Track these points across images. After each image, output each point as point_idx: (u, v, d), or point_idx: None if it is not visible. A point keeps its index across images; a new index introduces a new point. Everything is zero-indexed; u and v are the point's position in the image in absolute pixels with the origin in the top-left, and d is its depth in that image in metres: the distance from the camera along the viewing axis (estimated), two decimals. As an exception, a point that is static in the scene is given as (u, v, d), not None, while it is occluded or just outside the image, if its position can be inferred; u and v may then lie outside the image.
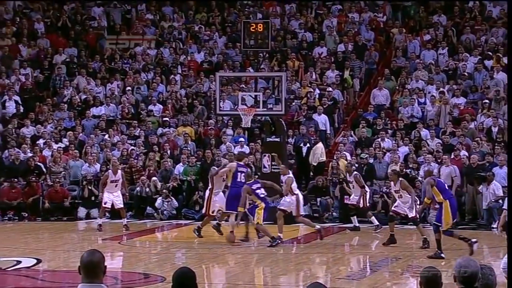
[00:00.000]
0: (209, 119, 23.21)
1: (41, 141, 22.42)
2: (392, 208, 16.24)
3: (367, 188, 18.22)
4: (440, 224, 14.17)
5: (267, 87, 22.38)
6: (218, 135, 22.51)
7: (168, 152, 21.78)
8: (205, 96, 24.14)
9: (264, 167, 20.47)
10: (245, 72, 24.33)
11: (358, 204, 17.97)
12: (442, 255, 14.08)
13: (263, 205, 15.71)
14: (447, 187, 14.94)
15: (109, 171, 18.44)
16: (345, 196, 19.23)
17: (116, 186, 18.09)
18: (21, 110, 23.86)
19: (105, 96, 24.34)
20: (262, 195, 15.87)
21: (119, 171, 18.37)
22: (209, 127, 22.69)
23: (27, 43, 26.39)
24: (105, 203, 18.13)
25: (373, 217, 18.11)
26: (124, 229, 17.98)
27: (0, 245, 16.83)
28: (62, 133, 22.89)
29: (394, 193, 16.17)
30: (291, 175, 16.60)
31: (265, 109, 20.21)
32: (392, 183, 16.18)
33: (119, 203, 18.12)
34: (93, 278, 4.88)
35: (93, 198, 20.42)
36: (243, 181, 16.30)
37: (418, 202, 16.40)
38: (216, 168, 17.53)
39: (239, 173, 16.48)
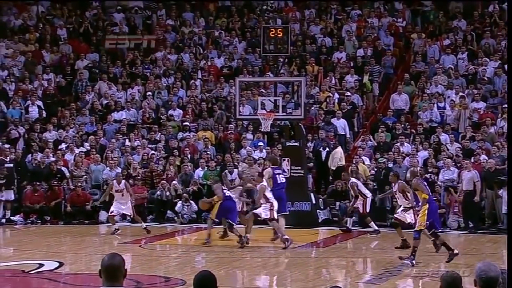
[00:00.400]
0: (228, 123, 23.26)
1: (63, 146, 22.57)
2: (395, 215, 16.30)
3: (367, 194, 18.19)
4: (417, 229, 14.03)
5: (287, 91, 22.39)
6: (238, 140, 22.55)
7: (188, 156, 21.85)
8: (225, 100, 24.20)
9: (284, 171, 20.48)
10: (264, 77, 24.37)
11: (358, 210, 18.13)
12: (414, 261, 13.96)
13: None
14: (430, 192, 14.61)
15: (114, 181, 18.66)
16: (346, 201, 19.51)
17: (122, 195, 18.27)
18: (44, 115, 24.05)
19: (126, 101, 24.47)
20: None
21: (123, 181, 18.59)
22: (229, 132, 22.74)
23: (50, 49, 26.60)
24: (111, 212, 18.38)
25: (371, 223, 18.15)
26: (145, 232, 18.08)
27: (23, 248, 16.98)
28: (83, 137, 23.04)
29: (394, 194, 16.29)
30: (264, 183, 16.48)
31: (284, 114, 20.24)
32: (392, 184, 16.25)
33: (131, 213, 18.37)
34: (113, 281, 4.90)
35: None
36: (284, 181, 16.84)
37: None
38: (229, 174, 17.76)
39: (277, 176, 16.91)
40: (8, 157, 20.93)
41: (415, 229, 14.07)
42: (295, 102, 20.85)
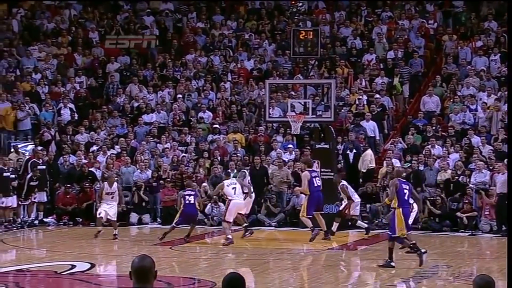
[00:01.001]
0: (258, 125, 23.19)
1: (94, 148, 22.67)
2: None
3: (355, 198, 18.37)
4: (392, 233, 13.86)
5: (316, 94, 22.26)
6: (267, 142, 22.46)
7: (218, 158, 21.81)
8: (255, 103, 24.14)
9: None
10: (294, 79, 24.27)
11: (345, 213, 18.24)
12: (392, 264, 13.76)
13: None
14: (405, 195, 13.97)
15: (105, 183, 18.50)
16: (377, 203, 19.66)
17: (112, 198, 18.18)
18: (76, 117, 24.18)
19: (156, 103, 24.51)
20: None
21: (115, 184, 18.48)
22: (258, 134, 22.66)
23: (82, 52, 26.77)
24: (99, 214, 18.22)
25: (359, 222, 18.38)
26: (113, 238, 17.79)
27: (56, 249, 17.07)
28: (114, 140, 23.11)
29: None
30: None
31: (314, 116, 20.10)
32: None
33: (113, 215, 18.16)
34: (144, 283, 4.88)
35: (143, 204, 20.56)
36: (320, 184, 17.18)
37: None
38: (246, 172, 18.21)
39: (313, 179, 17.15)
40: (41, 159, 21.05)
41: (395, 235, 13.80)
42: (325, 105, 20.70)
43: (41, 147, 22.10)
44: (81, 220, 20.51)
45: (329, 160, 19.69)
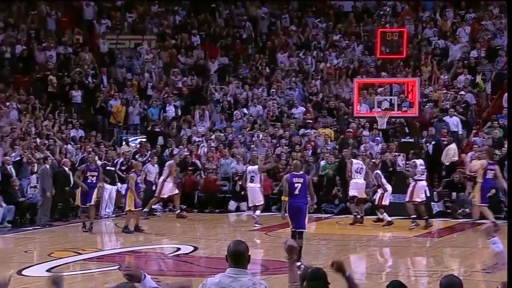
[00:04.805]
0: (347, 121, 23.14)
1: (196, 140, 23.15)
2: None
3: (388, 188, 17.90)
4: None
5: (402, 91, 22.04)
6: (355, 136, 22.40)
7: (310, 151, 21.88)
8: (344, 99, 24.08)
9: (398, 165, 20.23)
10: (380, 77, 24.07)
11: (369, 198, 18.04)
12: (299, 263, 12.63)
13: None
14: (295, 192, 12.72)
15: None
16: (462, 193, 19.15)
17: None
18: (179, 114, 24.75)
19: (252, 100, 24.81)
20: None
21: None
22: (347, 129, 22.62)
23: (185, 54, 27.33)
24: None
25: (385, 214, 17.78)
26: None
27: (163, 233, 17.59)
28: (214, 134, 23.53)
29: None
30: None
31: (399, 112, 19.92)
32: None
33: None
34: (238, 266, 5.02)
35: (242, 192, 20.86)
36: (492, 177, 16.65)
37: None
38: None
39: (488, 171, 16.70)
40: (148, 152, 21.64)
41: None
42: (410, 101, 20.50)
43: (148, 141, 22.72)
44: (184, 207, 20.90)
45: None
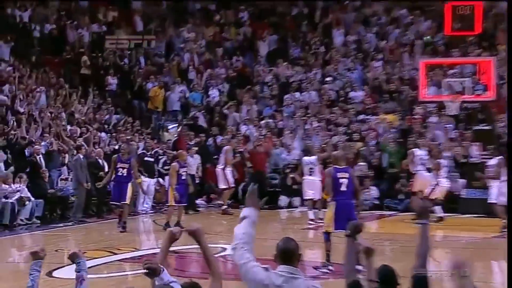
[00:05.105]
0: (412, 105, 22.43)
1: (243, 128, 22.72)
2: None
3: (442, 182, 17.43)
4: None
5: (475, 72, 21.23)
6: (422, 122, 21.69)
7: (370, 139, 21.26)
8: (409, 81, 23.36)
9: (471, 157, 19.50)
10: (451, 57, 23.29)
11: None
12: (330, 267, 11.97)
13: None
14: (341, 188, 12.13)
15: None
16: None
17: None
18: (224, 98, 24.34)
19: (305, 83, 24.26)
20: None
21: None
22: (412, 114, 21.91)
23: (230, 32, 26.87)
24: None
25: (436, 208, 17.21)
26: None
27: (207, 231, 17.15)
28: (262, 120, 23.07)
29: None
30: None
31: (472, 96, 19.26)
32: None
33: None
34: (288, 264, 4.97)
35: (295, 186, 20.00)
36: None
37: None
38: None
39: None
40: (193, 141, 21.30)
41: (322, 231, 12.30)
42: (484, 84, 19.76)
43: (190, 129, 22.37)
44: (230, 202, 20.39)
45: (490, 142, 18.73)
